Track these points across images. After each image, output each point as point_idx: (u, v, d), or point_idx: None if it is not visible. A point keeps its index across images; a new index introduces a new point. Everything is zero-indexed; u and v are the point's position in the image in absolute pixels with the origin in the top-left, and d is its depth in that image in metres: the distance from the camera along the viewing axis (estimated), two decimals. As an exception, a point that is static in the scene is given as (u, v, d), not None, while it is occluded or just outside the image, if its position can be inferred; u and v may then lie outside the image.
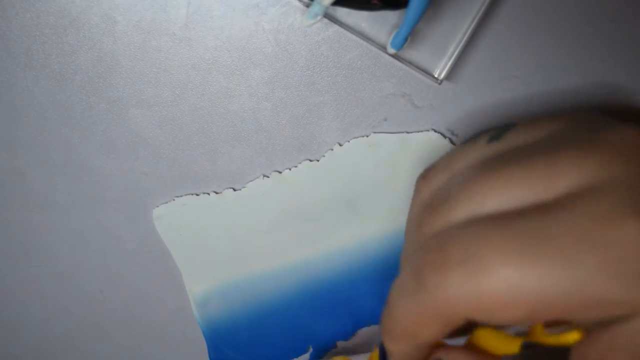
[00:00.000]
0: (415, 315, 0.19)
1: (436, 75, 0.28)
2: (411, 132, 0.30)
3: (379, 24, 0.28)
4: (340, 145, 0.30)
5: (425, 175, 0.23)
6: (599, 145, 0.19)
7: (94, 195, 0.31)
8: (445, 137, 0.30)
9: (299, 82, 0.29)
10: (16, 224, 0.31)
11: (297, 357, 0.32)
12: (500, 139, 0.21)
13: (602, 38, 0.29)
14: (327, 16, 0.28)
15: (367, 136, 0.30)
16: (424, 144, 0.30)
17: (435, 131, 0.30)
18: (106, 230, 0.31)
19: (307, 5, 0.27)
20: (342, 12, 0.28)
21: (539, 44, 0.29)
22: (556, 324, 0.19)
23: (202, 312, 0.31)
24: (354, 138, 0.30)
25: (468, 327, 0.22)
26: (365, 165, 0.30)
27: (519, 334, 0.20)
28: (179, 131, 0.30)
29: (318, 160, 0.30)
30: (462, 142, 0.23)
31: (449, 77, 0.29)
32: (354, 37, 0.28)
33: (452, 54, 0.28)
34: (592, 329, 0.18)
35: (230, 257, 0.31)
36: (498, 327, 0.21)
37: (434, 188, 0.22)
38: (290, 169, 0.30)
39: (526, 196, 0.18)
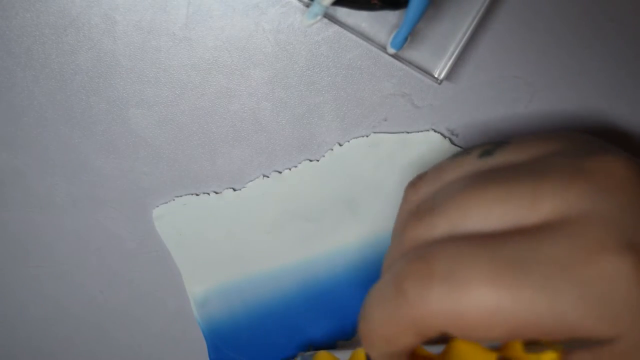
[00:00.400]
0: (392, 323, 0.19)
1: (436, 75, 0.28)
2: (411, 132, 0.30)
3: (379, 24, 0.28)
4: (340, 145, 0.30)
5: (415, 183, 0.23)
6: (584, 174, 0.19)
7: (94, 195, 0.31)
8: (445, 137, 0.30)
9: (299, 82, 0.29)
10: (16, 224, 0.31)
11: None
12: (491, 155, 0.21)
13: (602, 38, 0.29)
14: (327, 16, 0.28)
15: (367, 136, 0.30)
16: (424, 144, 0.30)
17: (435, 131, 0.30)
18: (106, 230, 0.31)
19: (307, 5, 0.27)
20: (342, 12, 0.28)
21: (539, 44, 0.29)
22: (535, 343, 0.19)
23: (202, 312, 0.31)
24: (354, 138, 0.30)
25: (445, 336, 0.22)
26: (365, 165, 0.30)
27: (495, 348, 0.20)
28: (179, 131, 0.30)
29: (318, 160, 0.30)
30: (453, 155, 0.23)
31: (449, 77, 0.29)
32: (354, 37, 0.28)
33: (452, 54, 0.28)
34: (570, 349, 0.18)
35: (230, 257, 0.31)
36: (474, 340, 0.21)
37: (422, 196, 0.22)
38: (290, 169, 0.30)
39: (509, 216, 0.19)
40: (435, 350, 0.21)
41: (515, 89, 0.29)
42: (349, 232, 0.30)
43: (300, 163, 0.30)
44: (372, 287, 0.20)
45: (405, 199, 0.23)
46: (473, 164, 0.22)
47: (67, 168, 0.30)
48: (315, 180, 0.30)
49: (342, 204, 0.30)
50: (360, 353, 0.24)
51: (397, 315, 0.19)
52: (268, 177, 0.30)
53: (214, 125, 0.30)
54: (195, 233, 0.31)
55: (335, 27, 0.29)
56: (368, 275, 0.31)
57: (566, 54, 0.29)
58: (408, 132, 0.30)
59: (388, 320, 0.19)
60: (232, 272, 0.31)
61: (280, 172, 0.30)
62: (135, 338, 0.32)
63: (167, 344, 0.32)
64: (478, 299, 0.17)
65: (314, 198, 0.30)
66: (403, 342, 0.19)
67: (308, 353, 0.29)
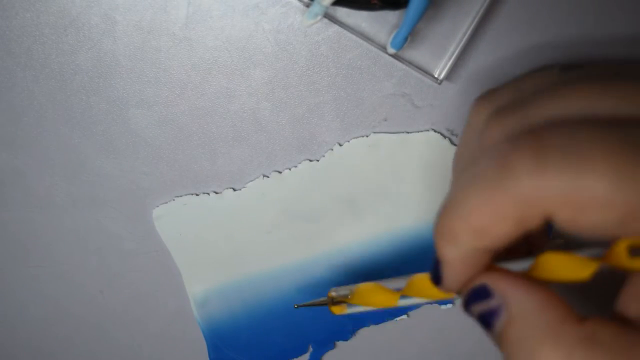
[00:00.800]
0: (490, 206, 0.17)
1: (436, 75, 0.28)
2: (411, 132, 0.30)
3: (379, 24, 0.28)
4: (340, 145, 0.30)
5: (486, 96, 0.21)
6: None
7: (94, 195, 0.31)
8: (445, 137, 0.30)
9: (299, 82, 0.29)
10: (16, 224, 0.31)
11: (297, 357, 0.32)
12: (572, 69, 0.20)
13: (601, 38, 0.29)
14: (327, 16, 0.28)
15: (367, 136, 0.30)
16: (423, 144, 0.30)
17: (435, 131, 0.30)
18: (106, 230, 0.31)
19: (307, 5, 0.27)
20: (342, 12, 0.28)
21: (539, 44, 0.29)
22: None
23: (202, 312, 0.31)
24: (354, 138, 0.30)
25: (528, 253, 0.20)
26: (365, 165, 0.30)
27: (594, 258, 0.18)
28: (179, 131, 0.30)
29: (318, 160, 0.30)
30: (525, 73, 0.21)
31: (449, 77, 0.29)
32: (354, 37, 0.28)
33: (452, 54, 0.28)
34: None
35: (230, 257, 0.31)
36: (570, 250, 0.19)
37: (500, 103, 0.20)
38: (290, 169, 0.30)
39: (622, 108, 0.17)
40: (519, 266, 0.19)
41: (515, 89, 0.29)
42: (349, 232, 0.30)
43: (300, 163, 0.30)
44: (458, 177, 0.18)
45: (475, 111, 0.21)
46: (556, 75, 0.20)
47: (67, 168, 0.30)
48: (315, 180, 0.30)
49: (342, 204, 0.30)
50: (420, 277, 0.22)
51: (501, 194, 0.17)
52: (268, 177, 0.30)
53: (214, 125, 0.30)
54: (195, 233, 0.31)
55: (335, 27, 0.28)
56: (368, 275, 0.31)
57: (565, 54, 0.29)
58: (408, 132, 0.30)
59: (485, 203, 0.17)
60: (232, 272, 0.31)
61: (280, 172, 0.30)
62: (135, 338, 0.32)
63: (167, 344, 0.32)
64: (597, 173, 0.16)
65: (314, 198, 0.30)
66: (498, 232, 0.17)
67: (345, 287, 0.26)
